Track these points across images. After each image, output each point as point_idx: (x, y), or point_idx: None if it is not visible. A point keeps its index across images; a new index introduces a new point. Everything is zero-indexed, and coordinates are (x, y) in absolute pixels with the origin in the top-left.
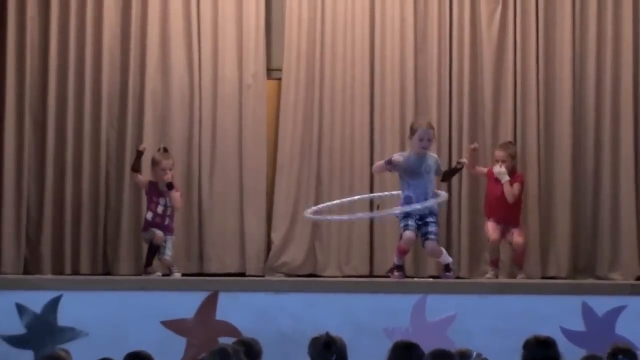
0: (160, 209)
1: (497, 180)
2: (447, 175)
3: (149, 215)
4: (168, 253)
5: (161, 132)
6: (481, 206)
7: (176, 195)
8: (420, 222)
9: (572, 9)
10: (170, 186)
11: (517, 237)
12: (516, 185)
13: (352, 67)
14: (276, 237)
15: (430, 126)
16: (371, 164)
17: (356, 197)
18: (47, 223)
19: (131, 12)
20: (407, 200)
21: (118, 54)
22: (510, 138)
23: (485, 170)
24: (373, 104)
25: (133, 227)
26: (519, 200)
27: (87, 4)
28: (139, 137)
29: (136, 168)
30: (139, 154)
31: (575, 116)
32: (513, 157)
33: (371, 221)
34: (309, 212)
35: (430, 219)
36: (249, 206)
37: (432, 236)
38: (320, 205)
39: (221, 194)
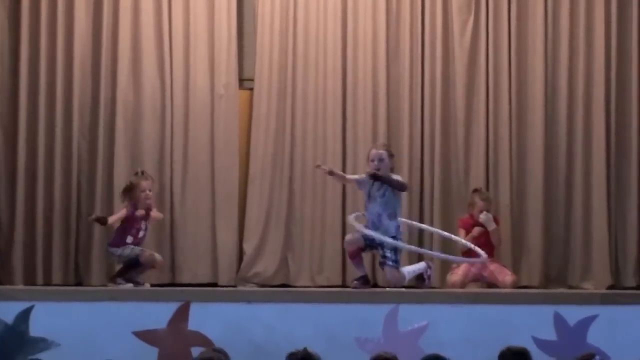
0: (141, 234)
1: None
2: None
3: (129, 239)
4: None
5: (133, 142)
6: (453, 217)
7: (156, 214)
8: (375, 243)
9: (545, 20)
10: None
11: (507, 277)
12: (497, 229)
13: (324, 77)
14: (248, 247)
15: (382, 147)
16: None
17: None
18: (18, 233)
19: (102, 21)
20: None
21: (89, 64)
22: (482, 147)
23: (463, 233)
24: (345, 113)
25: (105, 238)
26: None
27: (57, 13)
28: (110, 147)
29: (104, 221)
30: (97, 221)
31: (547, 126)
32: (491, 202)
33: (343, 232)
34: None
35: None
36: (221, 216)
37: (390, 262)
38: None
39: (193, 203)
